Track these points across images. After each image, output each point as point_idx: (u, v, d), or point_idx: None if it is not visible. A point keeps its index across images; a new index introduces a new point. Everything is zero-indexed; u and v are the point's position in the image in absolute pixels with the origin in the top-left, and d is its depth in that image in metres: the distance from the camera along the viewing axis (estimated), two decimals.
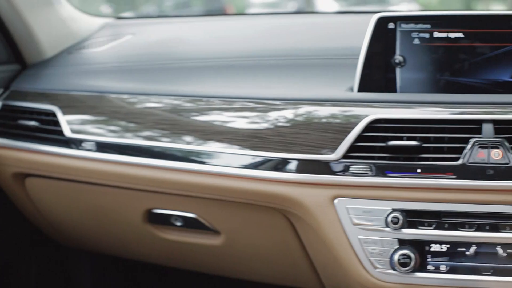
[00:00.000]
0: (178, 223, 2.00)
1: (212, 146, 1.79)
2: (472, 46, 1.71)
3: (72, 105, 2.07)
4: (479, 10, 1.96)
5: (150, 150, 1.87)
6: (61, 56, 2.38)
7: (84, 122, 2.01)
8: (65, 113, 2.05)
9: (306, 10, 13.20)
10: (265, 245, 1.93)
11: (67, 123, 2.03)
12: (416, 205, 1.61)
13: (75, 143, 2.00)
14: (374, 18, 1.74)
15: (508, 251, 1.59)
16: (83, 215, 2.21)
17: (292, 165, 1.68)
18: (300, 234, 1.80)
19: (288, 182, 1.69)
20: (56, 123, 2.06)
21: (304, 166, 1.67)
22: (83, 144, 1.99)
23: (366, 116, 1.64)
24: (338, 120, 1.68)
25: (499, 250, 1.59)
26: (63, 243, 2.50)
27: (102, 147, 1.96)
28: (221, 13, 11.21)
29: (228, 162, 1.77)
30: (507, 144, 1.58)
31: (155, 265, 2.40)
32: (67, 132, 2.02)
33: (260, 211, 1.81)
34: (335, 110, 1.70)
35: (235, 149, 1.76)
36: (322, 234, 1.68)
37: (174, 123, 1.87)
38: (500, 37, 1.70)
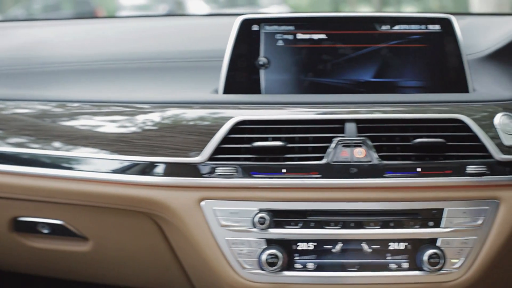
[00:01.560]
0: (45, 231, 1.95)
1: (78, 151, 1.76)
2: (335, 47, 1.75)
3: None
4: (343, 12, 2.00)
5: (14, 156, 1.82)
6: None
7: None
8: None
9: (176, 12, 13.17)
10: (134, 250, 1.91)
11: None
12: (282, 205, 1.63)
13: None
14: (238, 20, 1.75)
15: (373, 246, 1.63)
16: None
17: (159, 169, 1.67)
18: (169, 238, 1.79)
19: (154, 186, 1.67)
20: None
21: (171, 169, 1.66)
22: None
23: (231, 118, 1.65)
24: (203, 123, 1.68)
25: (364, 246, 1.63)
26: None
27: None
28: (92, 16, 11.05)
29: (94, 167, 1.74)
30: (369, 142, 1.62)
31: (23, 274, 2.33)
32: None
33: (128, 215, 1.79)
34: (201, 112, 1.70)
35: (101, 154, 1.73)
36: (190, 237, 1.67)
37: (39, 128, 1.82)
38: (362, 38, 1.75)
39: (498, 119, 1.65)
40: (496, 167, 1.63)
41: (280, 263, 1.61)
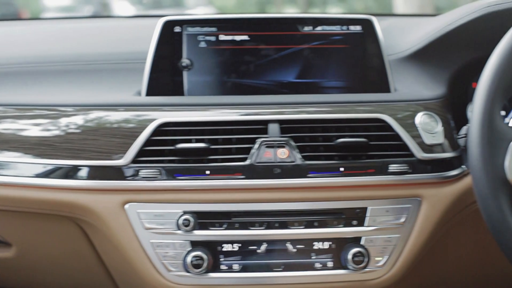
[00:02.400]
0: None
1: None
2: (258, 48, 1.75)
3: None
4: (266, 13, 2.01)
5: None
6: None
7: None
8: None
9: (102, 14, 13.05)
10: (59, 255, 1.88)
11: None
12: (207, 206, 1.63)
13: None
14: (160, 22, 1.74)
15: (298, 246, 1.64)
16: None
17: (82, 172, 1.65)
18: (94, 242, 1.77)
19: (77, 190, 1.65)
20: None
21: (94, 173, 1.64)
22: None
23: (154, 120, 1.64)
24: (126, 125, 1.66)
25: (289, 246, 1.64)
26: None
27: None
28: (15, 17, 10.85)
29: (16, 172, 1.70)
30: (292, 143, 1.62)
31: None
32: None
33: (51, 220, 1.76)
34: (124, 115, 1.68)
35: (23, 158, 1.70)
36: (114, 240, 1.65)
37: None
38: (285, 39, 1.76)
39: (419, 118, 1.68)
40: (418, 166, 1.65)
41: (205, 265, 1.60)
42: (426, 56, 1.83)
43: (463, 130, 1.45)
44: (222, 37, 1.75)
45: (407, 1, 7.88)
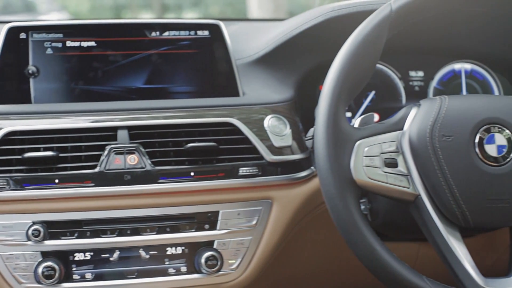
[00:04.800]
0: None
1: None
2: (106, 54, 1.74)
3: None
4: (114, 19, 1.98)
5: None
6: None
7: None
8: None
9: None
10: None
11: None
12: (57, 215, 1.60)
13: None
14: (4, 28, 1.70)
15: (151, 252, 1.64)
16: None
17: None
18: None
19: None
20: None
21: None
22: None
23: (0, 129, 1.59)
24: None
25: (142, 252, 1.64)
26: None
27: None
28: None
29: None
30: (142, 149, 1.62)
31: None
32: None
33: None
34: None
35: None
36: None
37: None
38: (133, 45, 1.75)
39: (268, 121, 1.70)
40: (268, 168, 1.68)
41: (57, 275, 1.57)
42: (274, 60, 1.86)
43: (310, 132, 1.48)
44: (69, 43, 1.72)
45: (262, 6, 7.97)
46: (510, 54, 2.01)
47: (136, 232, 1.63)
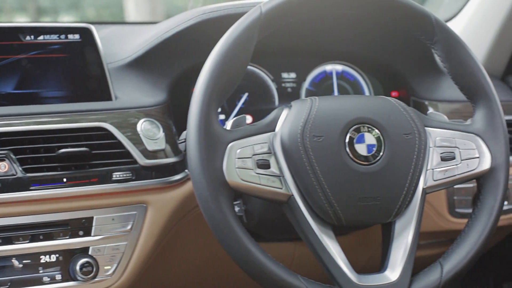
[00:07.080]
0: None
1: None
2: None
3: None
4: None
5: None
6: None
7: None
8: None
9: None
10: None
11: None
12: None
13: None
14: None
15: (24, 261, 1.60)
16: None
17: None
18: None
19: None
20: None
21: None
22: None
23: None
24: None
25: (15, 262, 1.60)
26: None
27: None
28: None
29: None
30: (12, 156, 1.58)
31: None
32: None
33: None
34: None
35: None
36: None
37: None
38: (1, 49, 1.70)
39: (140, 125, 1.70)
40: (142, 172, 1.68)
41: None
42: (146, 63, 1.85)
43: (183, 135, 1.49)
44: None
45: (138, 9, 7.93)
46: (379, 55, 2.07)
47: (8, 241, 1.59)
